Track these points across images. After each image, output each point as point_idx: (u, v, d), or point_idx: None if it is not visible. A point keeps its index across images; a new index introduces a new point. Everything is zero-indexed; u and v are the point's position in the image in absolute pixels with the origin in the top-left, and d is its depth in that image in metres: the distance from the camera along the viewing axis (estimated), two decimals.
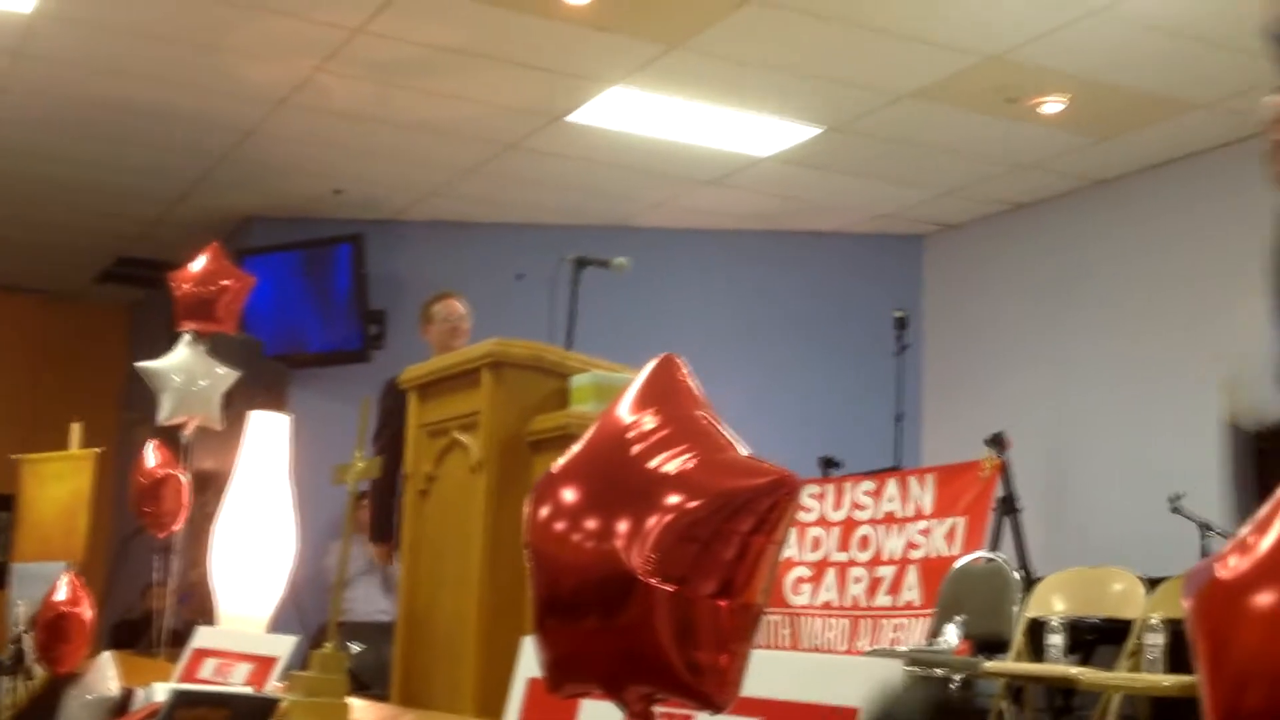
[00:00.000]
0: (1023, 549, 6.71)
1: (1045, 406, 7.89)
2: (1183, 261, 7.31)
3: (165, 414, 4.67)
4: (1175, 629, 4.55)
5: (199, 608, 5.66)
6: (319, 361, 8.63)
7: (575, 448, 1.26)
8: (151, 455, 4.48)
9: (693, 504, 1.15)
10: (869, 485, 7.13)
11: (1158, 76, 6.38)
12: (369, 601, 7.86)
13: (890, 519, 6.94)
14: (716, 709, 1.18)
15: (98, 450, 5.35)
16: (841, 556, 7.07)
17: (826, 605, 7.04)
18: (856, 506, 7.11)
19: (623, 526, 1.16)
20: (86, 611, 3.64)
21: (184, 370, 4.67)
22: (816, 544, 7.19)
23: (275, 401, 7.17)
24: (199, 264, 4.86)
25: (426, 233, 8.94)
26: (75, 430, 5.53)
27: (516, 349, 3.35)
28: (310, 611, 6.08)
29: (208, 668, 3.33)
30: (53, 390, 10.22)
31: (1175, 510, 6.06)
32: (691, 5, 5.86)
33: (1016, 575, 5.70)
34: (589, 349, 3.69)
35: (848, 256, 9.12)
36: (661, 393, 1.27)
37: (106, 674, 3.45)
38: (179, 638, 4.47)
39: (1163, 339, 7.30)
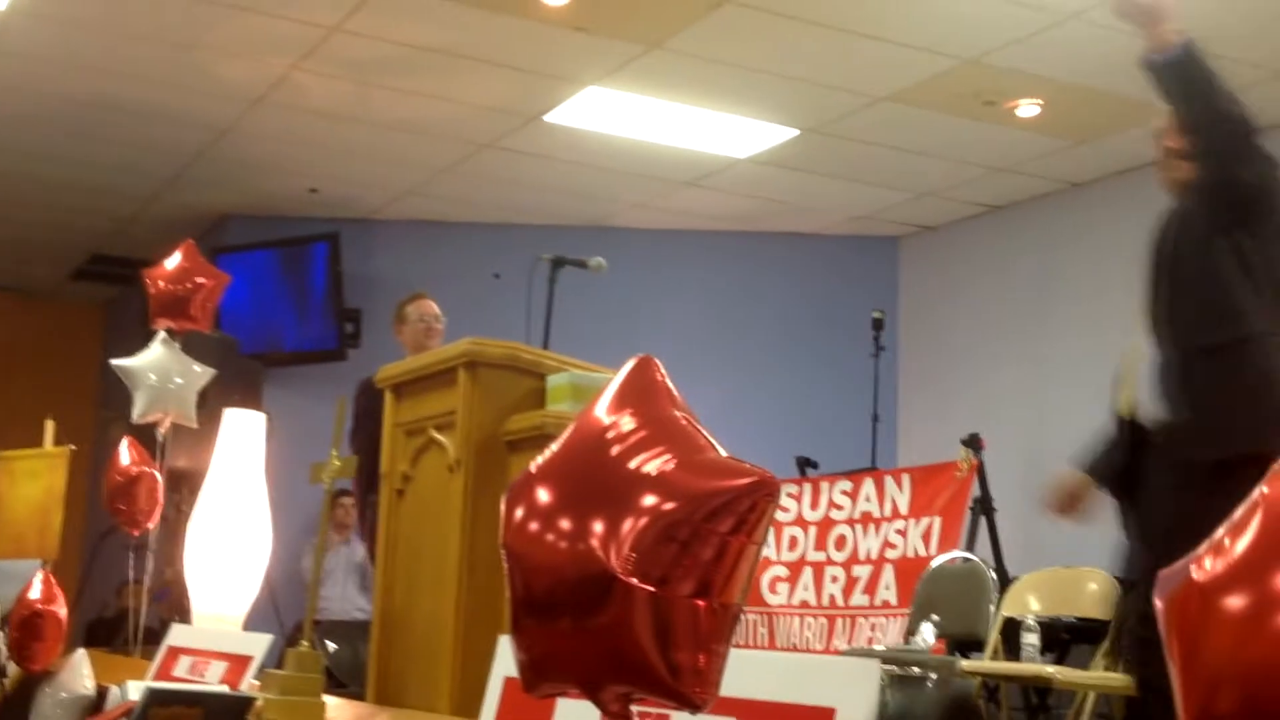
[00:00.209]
0: (998, 549, 6.73)
1: (1021, 407, 7.91)
2: None
3: (140, 412, 4.64)
4: None
5: (174, 606, 5.65)
6: (294, 360, 8.61)
7: (553, 448, 1.26)
8: (126, 453, 4.45)
9: (671, 505, 1.15)
10: (846, 485, 7.14)
11: (1133, 81, 6.36)
12: (346, 600, 7.86)
13: (867, 519, 6.95)
14: (695, 709, 1.18)
15: (72, 448, 5.31)
16: (818, 556, 7.09)
17: (803, 604, 7.05)
18: (833, 506, 7.12)
19: (600, 527, 1.16)
20: (61, 609, 3.62)
21: (159, 368, 4.65)
22: (793, 543, 7.20)
23: (251, 399, 7.15)
24: (174, 261, 4.82)
25: (403, 232, 8.92)
26: (49, 428, 5.49)
27: (493, 348, 3.34)
28: (286, 610, 6.07)
29: (182, 666, 3.31)
30: (26, 388, 10.15)
31: None
32: (669, 6, 5.87)
33: (992, 575, 5.71)
34: (565, 349, 3.69)
35: (825, 258, 9.13)
36: (639, 393, 1.27)
37: (81, 672, 3.44)
38: (154, 636, 4.46)
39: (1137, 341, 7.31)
